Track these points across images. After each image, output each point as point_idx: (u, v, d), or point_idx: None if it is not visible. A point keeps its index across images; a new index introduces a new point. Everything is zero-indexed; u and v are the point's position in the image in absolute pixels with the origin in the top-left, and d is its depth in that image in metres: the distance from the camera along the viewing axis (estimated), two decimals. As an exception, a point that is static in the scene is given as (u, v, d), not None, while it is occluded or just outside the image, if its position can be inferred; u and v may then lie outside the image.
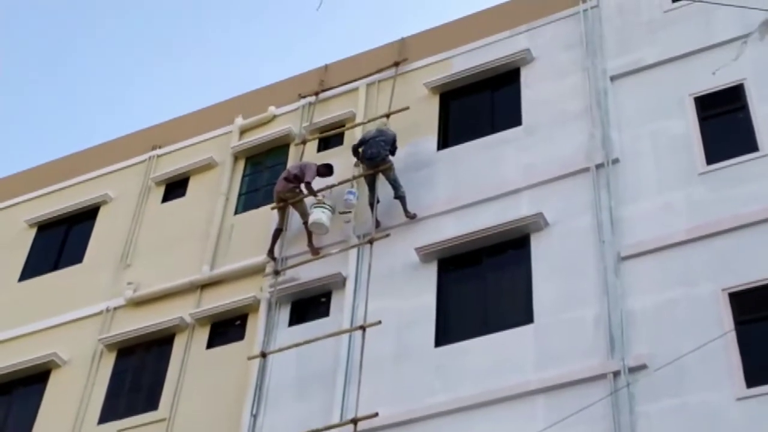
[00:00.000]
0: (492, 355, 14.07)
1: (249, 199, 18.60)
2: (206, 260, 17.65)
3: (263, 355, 15.64)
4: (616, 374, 13.02)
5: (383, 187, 16.39)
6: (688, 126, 15.04)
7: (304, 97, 19.27)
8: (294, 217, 17.11)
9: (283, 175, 17.09)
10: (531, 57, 17.34)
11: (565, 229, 14.87)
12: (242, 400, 15.51)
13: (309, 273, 16.34)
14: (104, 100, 50.72)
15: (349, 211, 16.64)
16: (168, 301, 17.62)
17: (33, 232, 20.61)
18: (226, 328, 16.83)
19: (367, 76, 18.79)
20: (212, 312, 16.88)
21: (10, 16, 48.40)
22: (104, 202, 20.19)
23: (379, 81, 18.66)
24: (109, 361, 17.45)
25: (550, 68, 17.02)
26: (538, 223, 15.00)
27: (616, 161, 15.13)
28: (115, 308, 18.08)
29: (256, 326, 16.28)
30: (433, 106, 17.74)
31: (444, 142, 17.22)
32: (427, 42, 18.81)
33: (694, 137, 14.87)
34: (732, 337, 12.65)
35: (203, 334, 16.90)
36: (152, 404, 16.47)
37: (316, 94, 19.15)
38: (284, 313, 16.27)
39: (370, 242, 16.00)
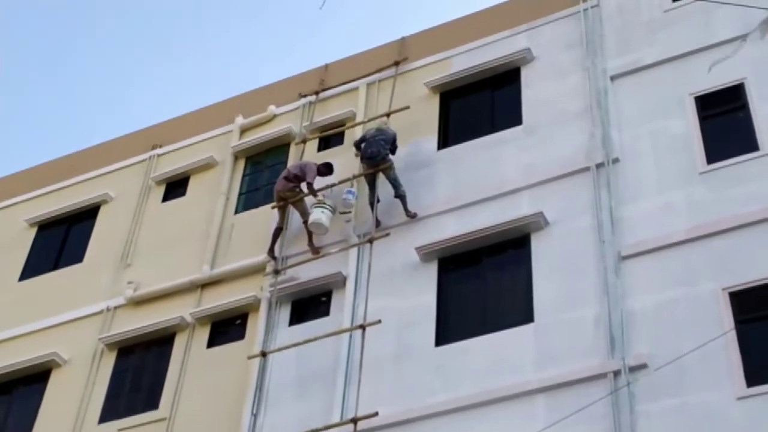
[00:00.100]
0: (492, 355, 14.07)
1: (249, 198, 18.60)
2: (206, 260, 17.65)
3: (263, 354, 15.65)
4: (617, 374, 13.02)
5: (383, 186, 16.39)
6: (688, 125, 15.04)
7: (304, 96, 19.27)
8: (294, 216, 17.12)
9: (284, 174, 17.09)
10: (531, 56, 17.35)
11: (565, 228, 14.88)
12: (242, 399, 15.52)
13: (309, 272, 16.34)
14: (104, 100, 50.77)
15: (349, 211, 16.64)
16: (168, 301, 17.62)
17: (33, 231, 20.62)
18: (227, 327, 16.84)
19: (367, 75, 18.79)
20: (212, 311, 16.88)
21: (10, 16, 48.42)
22: (104, 202, 20.19)
23: (380, 80, 18.66)
24: (110, 360, 17.45)
25: (551, 68, 17.02)
26: (538, 222, 15.01)
27: (616, 161, 15.13)
28: (116, 308, 18.09)
29: (256, 326, 16.29)
30: (434, 105, 17.74)
31: (444, 141, 17.23)
32: (428, 41, 18.81)
33: (695, 137, 14.87)
34: (732, 336, 12.65)
35: (203, 334, 16.91)
36: (152, 404, 16.48)
37: (317, 93, 19.15)
38: (284, 313, 16.27)
39: (371, 241, 16.01)
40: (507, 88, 17.33)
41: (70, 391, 17.27)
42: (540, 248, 14.86)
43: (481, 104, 17.48)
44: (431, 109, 17.69)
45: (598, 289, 13.97)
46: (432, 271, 15.47)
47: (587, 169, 15.26)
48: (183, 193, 19.48)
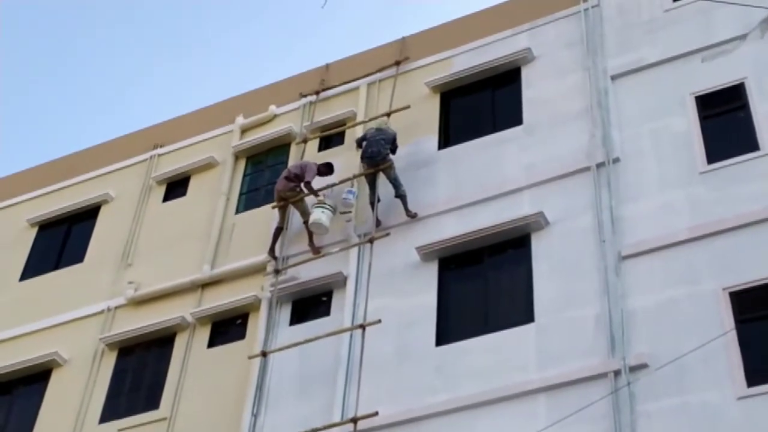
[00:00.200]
0: (493, 355, 14.07)
1: (250, 198, 18.60)
2: (207, 259, 17.66)
3: (264, 354, 15.65)
4: (617, 373, 13.02)
5: (384, 186, 16.39)
6: (688, 125, 15.04)
7: (305, 96, 19.27)
8: (295, 216, 17.12)
9: (284, 174, 17.09)
10: (532, 56, 17.35)
11: (565, 228, 14.88)
12: (243, 399, 15.52)
13: (310, 272, 16.35)
14: (105, 100, 50.78)
15: (349, 211, 16.64)
16: (169, 301, 17.63)
17: (34, 231, 20.62)
18: (227, 327, 16.84)
19: (368, 75, 18.80)
20: (213, 311, 16.89)
21: (11, 16, 48.44)
22: (105, 202, 20.20)
23: (380, 80, 18.67)
24: (110, 360, 17.46)
25: (551, 67, 17.02)
26: (538, 222, 15.01)
27: (616, 160, 15.13)
28: (116, 307, 18.09)
29: (257, 325, 16.29)
30: (434, 105, 17.74)
31: (445, 141, 17.23)
32: (428, 41, 18.81)
33: (695, 136, 14.87)
34: (733, 336, 12.65)
35: (204, 334, 16.91)
36: (153, 403, 16.48)
37: (317, 93, 19.15)
38: (285, 313, 16.28)
39: (371, 241, 16.01)
40: (507, 88, 17.33)
41: (70, 391, 17.28)
42: (540, 248, 14.86)
43: (481, 104, 17.47)
44: (432, 109, 17.69)
45: (598, 288, 13.97)
46: (432, 270, 15.47)
47: (588, 168, 15.26)
48: (184, 193, 19.49)
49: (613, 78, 16.19)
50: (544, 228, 15.01)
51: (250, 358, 15.80)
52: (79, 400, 17.05)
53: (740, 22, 14.93)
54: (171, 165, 19.93)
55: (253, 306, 16.60)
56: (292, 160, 18.19)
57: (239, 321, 16.74)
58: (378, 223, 16.29)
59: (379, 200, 16.34)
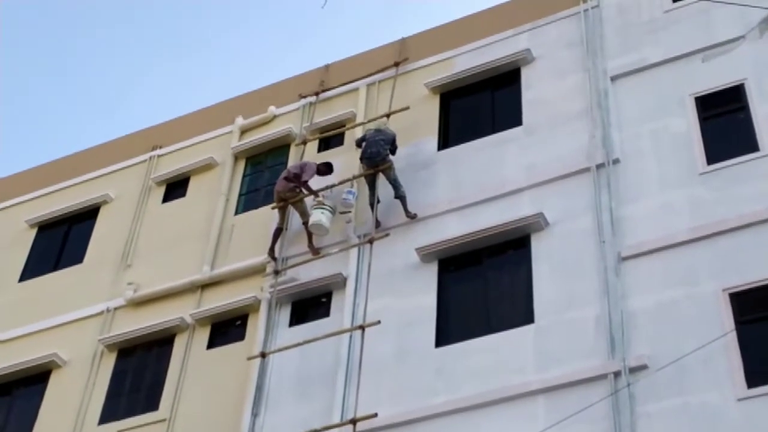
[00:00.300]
0: (492, 356, 14.06)
1: (249, 199, 18.59)
2: (207, 260, 17.65)
3: (263, 355, 15.64)
4: (617, 374, 13.02)
5: (383, 186, 16.38)
6: (688, 126, 15.04)
7: (304, 97, 19.26)
8: (294, 217, 17.11)
9: (284, 174, 17.08)
10: (532, 57, 17.34)
11: (565, 229, 14.87)
12: (243, 400, 15.51)
13: (309, 273, 16.34)
14: (105, 100, 50.77)
15: (349, 211, 16.63)
16: (168, 302, 17.62)
17: (33, 232, 20.61)
18: (227, 328, 16.83)
19: (367, 76, 18.79)
20: (213, 312, 16.88)
21: (11, 16, 48.44)
22: (105, 203, 20.18)
23: (380, 81, 18.66)
24: (110, 361, 17.45)
25: (551, 68, 17.02)
26: (538, 223, 15.00)
27: (616, 161, 15.13)
28: (116, 308, 18.08)
29: (256, 326, 16.28)
30: (434, 106, 17.74)
31: (444, 142, 17.22)
32: (428, 42, 18.80)
33: (695, 137, 14.86)
34: (733, 337, 12.65)
35: (204, 335, 16.90)
36: (153, 405, 16.47)
37: (317, 94, 19.14)
38: (285, 314, 16.26)
39: (371, 242, 16.00)
40: (507, 89, 17.32)
41: (70, 392, 17.27)
42: (540, 249, 14.85)
43: (481, 105, 17.47)
44: (431, 110, 17.68)
45: (598, 289, 13.96)
46: (432, 271, 15.46)
47: (588, 169, 15.26)
48: (183, 194, 19.48)
49: (613, 79, 16.19)
50: (544, 229, 15.00)
51: (249, 359, 15.79)
52: (78, 401, 17.04)
53: (740, 23, 14.92)
54: (170, 166, 19.92)
55: (253, 307, 16.59)
56: (292, 161, 18.18)
57: (239, 322, 16.73)
58: (378, 223, 16.29)
59: (378, 201, 16.33)
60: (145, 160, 20.42)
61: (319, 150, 18.33)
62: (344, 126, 18.33)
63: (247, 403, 15.37)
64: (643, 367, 12.95)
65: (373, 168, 16.40)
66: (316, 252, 16.51)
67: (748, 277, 13.13)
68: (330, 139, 18.47)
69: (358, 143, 16.99)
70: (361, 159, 16.64)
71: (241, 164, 19.20)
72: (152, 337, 17.24)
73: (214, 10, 50.70)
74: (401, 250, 15.85)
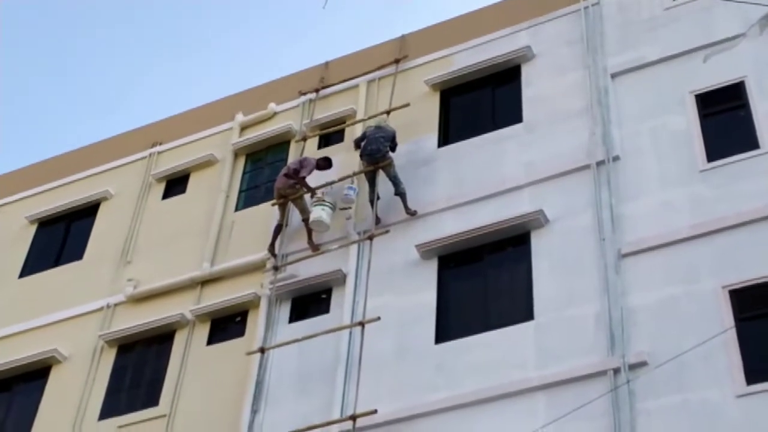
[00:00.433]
0: (492, 352, 14.07)
1: (249, 195, 18.60)
2: (206, 257, 17.65)
3: (262, 350, 15.65)
4: (617, 371, 13.02)
5: (383, 183, 16.39)
6: (688, 123, 15.05)
7: (304, 94, 19.26)
8: (294, 213, 17.11)
9: (283, 171, 17.09)
10: (532, 54, 17.34)
11: (565, 226, 14.88)
12: (242, 396, 15.52)
13: (309, 269, 16.34)
14: (105, 97, 50.77)
15: (349, 207, 16.64)
16: (168, 298, 17.63)
17: (33, 228, 20.61)
18: (227, 324, 16.84)
19: (367, 73, 18.79)
20: (212, 308, 16.88)
21: (11, 13, 48.40)
22: (105, 199, 20.19)
23: (380, 78, 18.66)
24: (110, 357, 17.46)
25: (551, 65, 17.02)
26: (538, 220, 15.01)
27: (616, 158, 15.13)
28: (116, 305, 18.09)
29: (256, 323, 16.29)
30: (434, 103, 17.74)
31: (444, 139, 17.22)
32: (428, 39, 18.80)
33: (695, 135, 14.87)
34: (732, 334, 12.65)
35: (203, 331, 16.91)
36: (153, 400, 16.48)
37: (317, 91, 19.14)
38: (284, 310, 16.27)
39: (370, 239, 16.00)
40: (507, 86, 17.33)
41: (70, 387, 17.27)
42: (540, 246, 14.86)
43: (481, 102, 17.47)
44: (432, 107, 17.69)
45: (598, 286, 13.97)
46: (432, 268, 15.47)
47: (588, 166, 15.26)
48: (183, 191, 19.48)
49: (613, 76, 16.19)
50: (544, 226, 15.01)
51: (247, 354, 15.78)
52: (78, 396, 17.05)
53: (740, 20, 14.94)
54: (170, 162, 19.93)
55: (253, 303, 16.60)
56: (292, 158, 18.17)
57: (238, 318, 16.74)
58: (377, 220, 16.29)
59: (378, 198, 16.33)
60: (145, 157, 20.43)
61: (319, 147, 18.34)
62: (344, 123, 18.33)
63: (247, 399, 15.38)
64: (643, 364, 12.96)
65: (373, 165, 16.40)
66: (315, 248, 16.52)
67: (748, 275, 13.14)
68: (330, 135, 18.48)
69: (357, 143, 16.95)
70: (361, 156, 16.64)
71: (241, 161, 19.21)
72: (152, 333, 17.25)
73: (214, 8, 50.74)
74: (401, 247, 15.86)
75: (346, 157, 17.53)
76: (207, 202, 18.71)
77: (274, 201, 17.12)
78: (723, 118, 14.98)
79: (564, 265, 14.46)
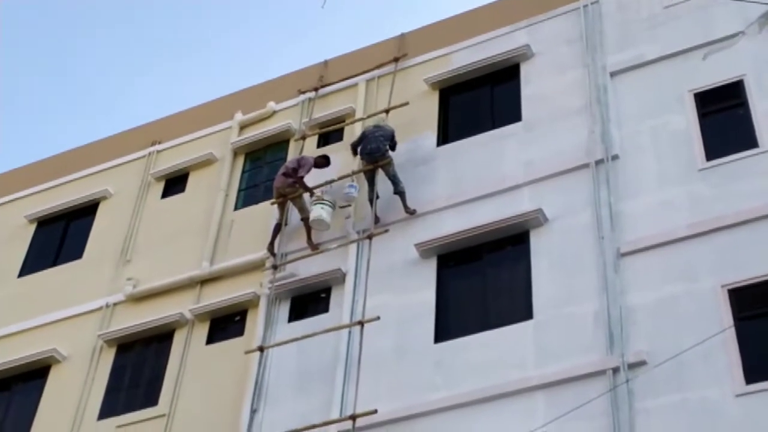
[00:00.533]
0: (492, 351, 14.07)
1: (248, 194, 18.59)
2: (206, 256, 17.65)
3: (261, 349, 15.64)
4: (616, 370, 13.02)
5: (383, 182, 16.38)
6: (688, 122, 15.03)
7: (303, 92, 19.26)
8: (294, 212, 17.11)
9: (282, 170, 17.08)
10: (531, 53, 17.33)
11: (564, 225, 14.87)
12: (242, 395, 15.52)
13: (308, 268, 16.34)
14: (104, 96, 50.75)
15: (350, 205, 16.64)
16: (167, 297, 17.62)
17: (32, 227, 20.61)
18: (226, 323, 16.83)
19: (366, 71, 18.78)
20: (212, 308, 16.88)
21: (11, 16, 48.39)
22: (104, 198, 20.18)
23: (379, 77, 18.66)
24: (109, 356, 17.45)
25: (550, 64, 17.01)
26: (537, 219, 15.00)
27: (615, 157, 15.12)
28: (115, 304, 18.09)
29: (255, 322, 16.28)
30: (433, 101, 17.73)
31: (444, 137, 17.22)
32: (427, 38, 18.79)
33: (694, 133, 14.86)
34: (731, 333, 12.64)
35: (203, 330, 16.90)
36: (152, 400, 16.48)
37: (316, 89, 19.13)
38: (284, 309, 16.26)
39: (370, 238, 15.98)
40: (506, 85, 17.32)
41: (69, 387, 17.27)
42: (539, 245, 14.85)
43: (480, 100, 17.46)
44: (431, 106, 17.68)
45: (597, 285, 13.96)
46: (431, 267, 15.47)
47: (587, 165, 15.25)
48: (182, 190, 19.48)
49: (612, 75, 16.18)
50: (543, 225, 15.01)
51: (246, 352, 15.77)
52: (77, 396, 17.05)
53: (740, 18, 14.89)
54: (169, 161, 19.92)
55: (252, 302, 16.59)
56: (291, 157, 18.15)
57: (238, 317, 16.73)
58: (377, 219, 16.28)
59: (377, 197, 16.33)
60: (144, 156, 20.42)
61: (319, 145, 18.34)
62: (343, 121, 18.32)
63: (246, 399, 15.37)
64: (642, 363, 12.95)
65: (372, 164, 16.39)
66: (315, 247, 16.51)
67: (747, 273, 13.13)
68: (329, 134, 18.47)
69: (354, 147, 16.89)
70: (361, 155, 16.63)
71: (241, 160, 19.20)
72: (151, 333, 17.25)
73: (213, 8, 50.71)
74: (400, 246, 15.85)
75: (345, 156, 17.52)
76: (206, 201, 18.71)
77: (273, 200, 17.11)
78: (722, 116, 14.97)
79: (563, 264, 14.45)
